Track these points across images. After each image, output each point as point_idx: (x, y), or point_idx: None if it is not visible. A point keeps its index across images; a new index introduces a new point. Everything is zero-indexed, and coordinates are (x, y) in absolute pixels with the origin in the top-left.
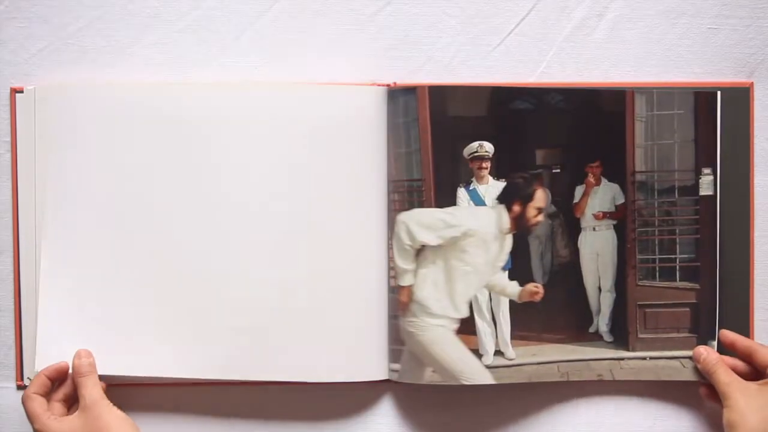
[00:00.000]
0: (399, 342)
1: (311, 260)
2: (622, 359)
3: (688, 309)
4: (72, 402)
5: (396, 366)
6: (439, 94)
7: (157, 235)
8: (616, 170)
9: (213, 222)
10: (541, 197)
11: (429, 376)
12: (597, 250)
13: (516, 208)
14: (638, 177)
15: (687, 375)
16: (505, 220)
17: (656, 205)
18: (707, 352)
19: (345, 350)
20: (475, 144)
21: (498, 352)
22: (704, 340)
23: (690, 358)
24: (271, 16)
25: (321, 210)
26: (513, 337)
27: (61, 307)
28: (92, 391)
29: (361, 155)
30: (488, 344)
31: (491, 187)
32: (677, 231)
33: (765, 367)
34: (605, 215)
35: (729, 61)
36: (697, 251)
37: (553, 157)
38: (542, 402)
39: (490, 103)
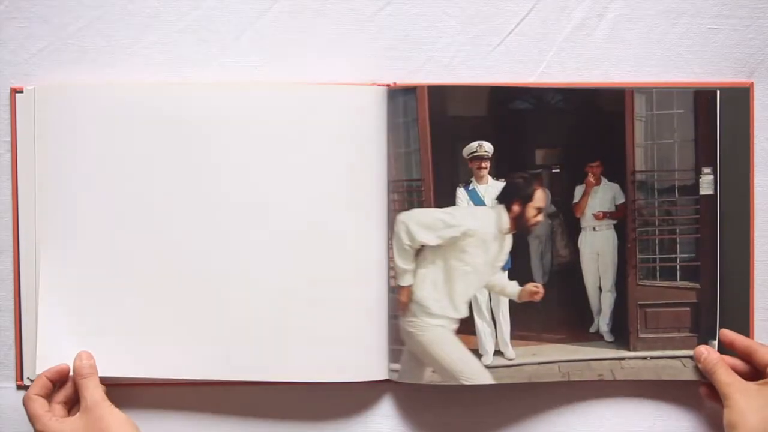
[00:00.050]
0: (399, 342)
1: (311, 260)
2: (623, 359)
3: (688, 308)
4: (72, 404)
5: (396, 366)
6: (439, 94)
7: (156, 235)
8: (616, 170)
9: (213, 222)
10: (540, 197)
11: (429, 376)
12: (597, 249)
13: (515, 208)
14: (638, 177)
15: (688, 375)
16: (505, 220)
17: (656, 204)
18: (708, 352)
19: (345, 350)
20: (475, 144)
21: (498, 352)
22: (705, 340)
23: (691, 357)
24: (271, 16)
25: (321, 210)
26: (513, 337)
27: (61, 308)
28: (94, 393)
29: (361, 155)
30: (488, 344)
31: (490, 187)
32: (677, 230)
33: (764, 366)
34: (605, 215)
35: (729, 61)
36: (697, 251)
37: (553, 157)
38: (543, 402)
39: (490, 103)
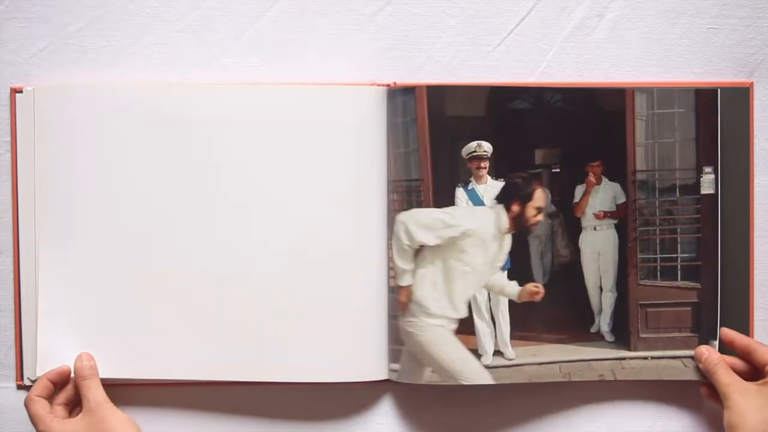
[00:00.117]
0: (399, 342)
1: (311, 260)
2: (624, 359)
3: (689, 308)
4: (73, 406)
5: (396, 366)
6: (438, 93)
7: (156, 235)
8: (617, 169)
9: (213, 222)
10: (540, 197)
11: (428, 376)
12: (598, 249)
13: (515, 207)
14: (639, 176)
15: (689, 375)
16: (504, 220)
17: (657, 204)
18: (709, 352)
19: (345, 350)
20: (474, 144)
21: (497, 353)
22: (706, 340)
23: (692, 357)
24: (271, 16)
25: (321, 210)
26: (513, 337)
27: (61, 309)
28: (96, 394)
29: (361, 155)
30: (487, 344)
31: (490, 187)
32: (678, 230)
33: (763, 365)
34: (606, 214)
35: (729, 61)
36: (698, 250)
37: (553, 157)
38: (543, 402)
39: (489, 102)
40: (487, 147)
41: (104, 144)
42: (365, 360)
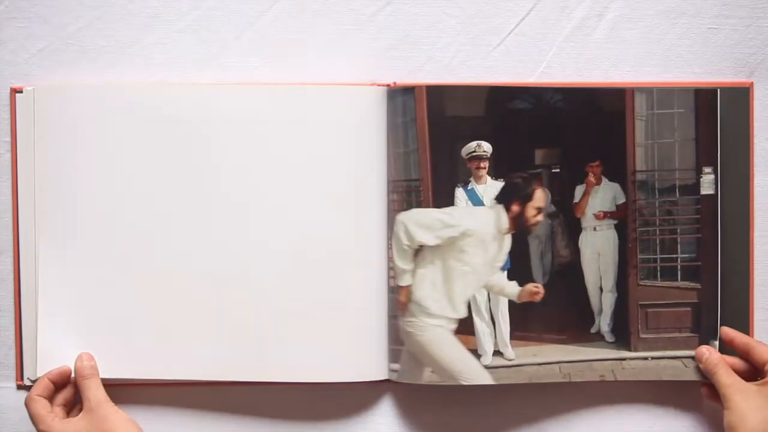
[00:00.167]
0: (398, 342)
1: (311, 260)
2: (624, 359)
3: (689, 308)
4: (71, 407)
5: (396, 366)
6: (437, 93)
7: (156, 235)
8: (617, 169)
9: (213, 222)
10: (540, 197)
11: (428, 377)
12: (598, 249)
13: (515, 208)
14: (639, 176)
15: (689, 375)
16: (504, 220)
17: (657, 204)
18: (709, 352)
19: (345, 350)
20: (473, 144)
21: (497, 353)
22: (706, 340)
23: (692, 358)
24: (271, 16)
25: (321, 210)
26: (513, 337)
27: (61, 309)
28: (96, 393)
29: (361, 155)
30: (487, 344)
31: (489, 187)
32: (678, 230)
33: (762, 364)
34: (606, 215)
35: (729, 61)
36: (698, 250)
37: (553, 157)
38: (544, 403)
39: (489, 102)
40: (486, 147)
41: (104, 144)
42: (365, 360)
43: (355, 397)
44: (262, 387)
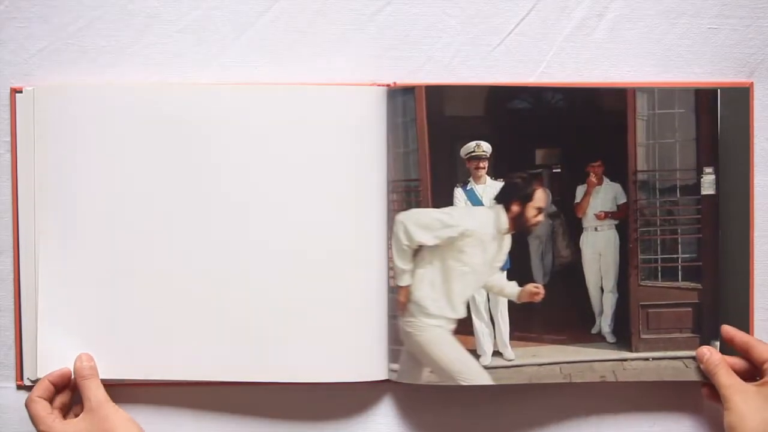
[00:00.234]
0: (398, 342)
1: (311, 260)
2: (625, 360)
3: (690, 309)
4: (68, 410)
5: (396, 366)
6: (437, 93)
7: (156, 236)
8: (618, 170)
9: (213, 222)
10: (540, 197)
11: (427, 377)
12: (599, 250)
13: (515, 208)
14: (640, 176)
15: (690, 375)
16: (504, 221)
17: (658, 204)
18: (710, 353)
19: (345, 350)
20: (473, 144)
21: (497, 353)
22: (707, 340)
23: (693, 358)
24: (271, 16)
25: (321, 210)
26: (512, 337)
27: (61, 309)
28: (97, 393)
29: (361, 155)
30: (486, 345)
31: (489, 187)
32: (679, 230)
33: (761, 363)
34: (607, 215)
35: (729, 61)
36: (699, 251)
37: (553, 157)
38: (544, 403)
39: (488, 102)
40: (485, 147)
41: (104, 144)
42: (365, 360)
43: (355, 397)
44: (262, 387)
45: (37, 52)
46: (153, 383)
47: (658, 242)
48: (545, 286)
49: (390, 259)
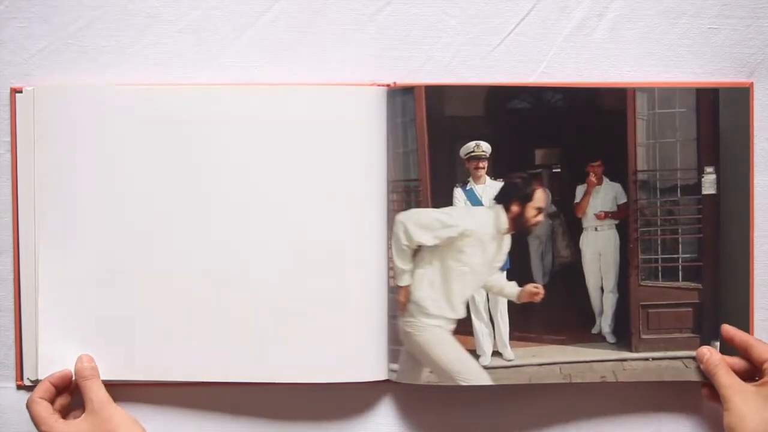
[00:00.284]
0: (398, 342)
1: (311, 260)
2: (625, 360)
3: (690, 309)
4: (66, 413)
5: (396, 366)
6: (437, 93)
7: (156, 235)
8: (618, 169)
9: (213, 222)
10: (540, 197)
11: (426, 377)
12: (599, 250)
13: (514, 208)
14: (640, 176)
15: (690, 375)
16: (503, 221)
17: (659, 204)
18: (710, 353)
19: (345, 350)
20: (472, 144)
21: (496, 353)
22: (707, 340)
23: (693, 358)
24: (271, 16)
25: (321, 210)
26: (512, 338)
27: (61, 309)
28: (99, 394)
29: (361, 155)
30: (485, 345)
31: (488, 187)
32: (680, 230)
33: (761, 362)
34: (607, 215)
35: (729, 61)
36: (699, 251)
37: (553, 157)
38: (545, 404)
39: (488, 102)
40: (485, 147)
41: (104, 144)
42: (365, 360)
43: (355, 397)
44: (262, 387)
45: (37, 52)
46: (153, 383)
47: (659, 242)
48: (545, 286)
49: (390, 259)
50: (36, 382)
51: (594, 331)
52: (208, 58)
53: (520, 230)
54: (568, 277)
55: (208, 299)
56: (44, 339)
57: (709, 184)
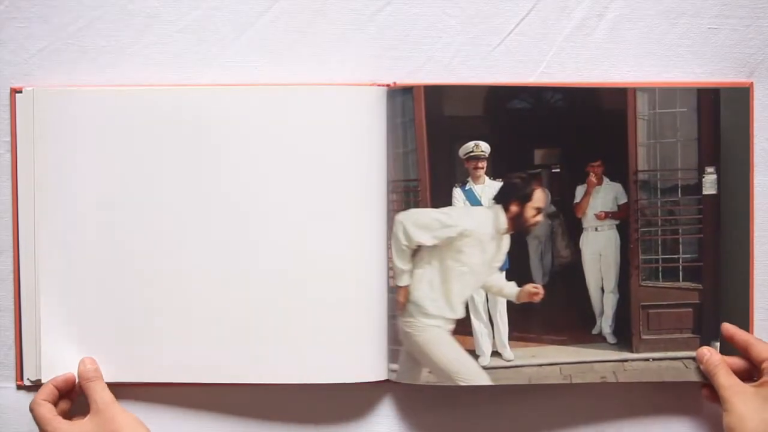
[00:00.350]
0: (398, 342)
1: (311, 260)
2: (626, 361)
3: (690, 309)
4: (68, 418)
5: (396, 366)
6: (436, 93)
7: (156, 235)
8: (618, 169)
9: (213, 223)
10: (539, 197)
11: (425, 377)
12: (599, 250)
13: (514, 208)
14: (641, 176)
15: (690, 376)
16: (503, 221)
17: (659, 204)
18: (710, 353)
19: (345, 350)
20: (471, 144)
21: (496, 353)
22: (707, 341)
23: (693, 359)
24: (271, 16)
25: (321, 210)
26: (512, 338)
27: (62, 309)
28: (103, 395)
29: (361, 155)
30: (485, 345)
31: (487, 187)
32: (680, 231)
33: (760, 362)
34: (607, 215)
35: (729, 61)
36: (700, 251)
37: (553, 157)
38: (545, 404)
39: (487, 102)
40: (484, 147)
41: (104, 144)
42: (365, 360)
43: (355, 397)
44: (262, 387)
45: (37, 52)
46: (153, 384)
47: (659, 242)
48: (545, 287)
49: (389, 259)
50: (36, 383)
51: (594, 331)
52: (208, 58)
53: (519, 230)
54: (568, 278)
55: (208, 299)
56: (46, 340)
57: (709, 184)
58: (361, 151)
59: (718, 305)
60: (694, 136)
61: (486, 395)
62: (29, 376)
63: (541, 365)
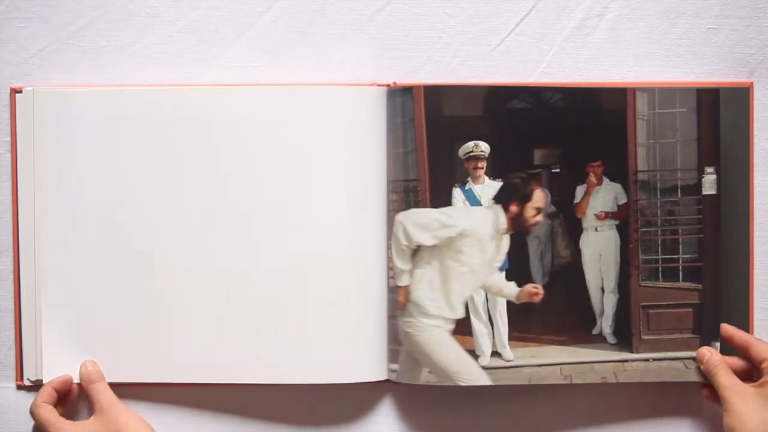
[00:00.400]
0: (398, 342)
1: (311, 261)
2: (626, 361)
3: (691, 309)
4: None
5: (396, 366)
6: (436, 93)
7: (156, 236)
8: (618, 169)
9: (213, 223)
10: (539, 197)
11: (425, 377)
12: (599, 250)
13: (513, 208)
14: (641, 176)
15: (690, 376)
16: (502, 221)
17: (659, 204)
18: (710, 354)
19: (345, 350)
20: (471, 144)
21: (496, 353)
22: (707, 341)
23: (693, 359)
24: (271, 16)
25: (320, 210)
26: (512, 338)
27: (61, 310)
28: (106, 395)
29: (361, 155)
30: (484, 345)
31: (487, 187)
32: (680, 231)
33: (760, 362)
34: (607, 215)
35: (729, 61)
36: (700, 251)
37: (553, 157)
38: (545, 404)
39: (487, 102)
40: (484, 147)
41: (104, 144)
42: (365, 360)
43: (355, 397)
44: (262, 388)
45: (37, 52)
46: (153, 384)
47: (659, 242)
48: (544, 287)
49: (389, 259)
50: (36, 383)
51: (594, 331)
52: (208, 58)
53: (519, 230)
54: (568, 278)
55: (209, 299)
56: (46, 340)
57: (709, 184)
58: (361, 151)
59: (718, 305)
60: (694, 136)
61: (486, 395)
62: (29, 376)
63: (541, 365)
